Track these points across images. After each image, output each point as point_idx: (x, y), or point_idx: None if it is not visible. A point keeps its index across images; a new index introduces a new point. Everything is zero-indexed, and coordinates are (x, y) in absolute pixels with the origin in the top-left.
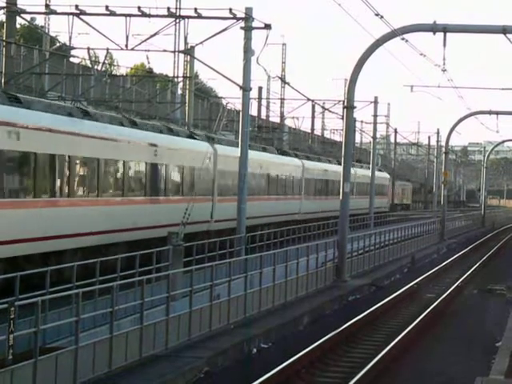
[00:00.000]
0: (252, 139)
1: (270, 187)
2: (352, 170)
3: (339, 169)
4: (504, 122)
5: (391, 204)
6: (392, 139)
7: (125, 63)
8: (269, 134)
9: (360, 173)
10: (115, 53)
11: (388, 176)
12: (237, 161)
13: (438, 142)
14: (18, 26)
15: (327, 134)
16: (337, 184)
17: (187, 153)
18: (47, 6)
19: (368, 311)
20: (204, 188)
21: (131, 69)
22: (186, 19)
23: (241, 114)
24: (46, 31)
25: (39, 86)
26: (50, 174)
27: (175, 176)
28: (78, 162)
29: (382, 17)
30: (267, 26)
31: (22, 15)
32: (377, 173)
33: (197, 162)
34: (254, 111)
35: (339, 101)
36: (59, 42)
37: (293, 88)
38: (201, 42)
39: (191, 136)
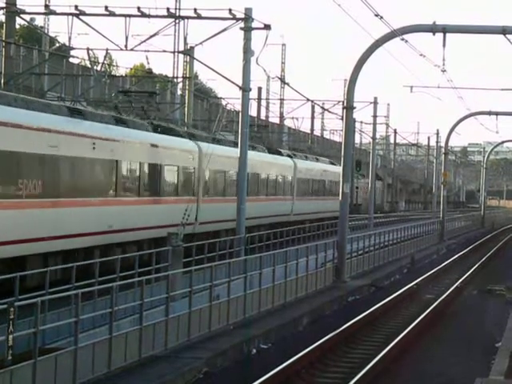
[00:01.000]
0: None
1: (132, 184)
2: (290, 162)
3: (270, 159)
4: (504, 122)
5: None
6: (392, 140)
7: (124, 63)
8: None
9: (302, 166)
10: (115, 53)
11: None
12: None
13: (437, 142)
14: (17, 27)
15: (327, 135)
16: (264, 180)
17: None
18: (47, 6)
19: (368, 312)
20: None
21: (131, 69)
22: (186, 20)
23: (240, 114)
24: (46, 31)
25: (39, 86)
26: None
27: None
28: None
29: (381, 17)
30: (267, 27)
31: (22, 15)
32: (326, 166)
33: None
34: (253, 112)
35: (339, 101)
36: (59, 42)
37: (292, 88)
38: (200, 43)
39: None
